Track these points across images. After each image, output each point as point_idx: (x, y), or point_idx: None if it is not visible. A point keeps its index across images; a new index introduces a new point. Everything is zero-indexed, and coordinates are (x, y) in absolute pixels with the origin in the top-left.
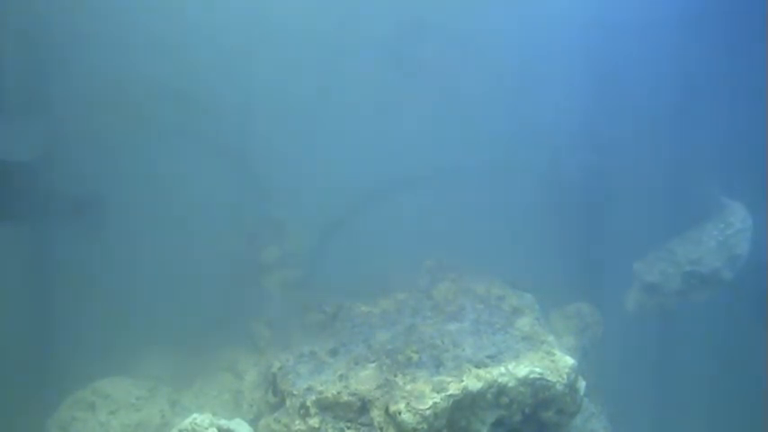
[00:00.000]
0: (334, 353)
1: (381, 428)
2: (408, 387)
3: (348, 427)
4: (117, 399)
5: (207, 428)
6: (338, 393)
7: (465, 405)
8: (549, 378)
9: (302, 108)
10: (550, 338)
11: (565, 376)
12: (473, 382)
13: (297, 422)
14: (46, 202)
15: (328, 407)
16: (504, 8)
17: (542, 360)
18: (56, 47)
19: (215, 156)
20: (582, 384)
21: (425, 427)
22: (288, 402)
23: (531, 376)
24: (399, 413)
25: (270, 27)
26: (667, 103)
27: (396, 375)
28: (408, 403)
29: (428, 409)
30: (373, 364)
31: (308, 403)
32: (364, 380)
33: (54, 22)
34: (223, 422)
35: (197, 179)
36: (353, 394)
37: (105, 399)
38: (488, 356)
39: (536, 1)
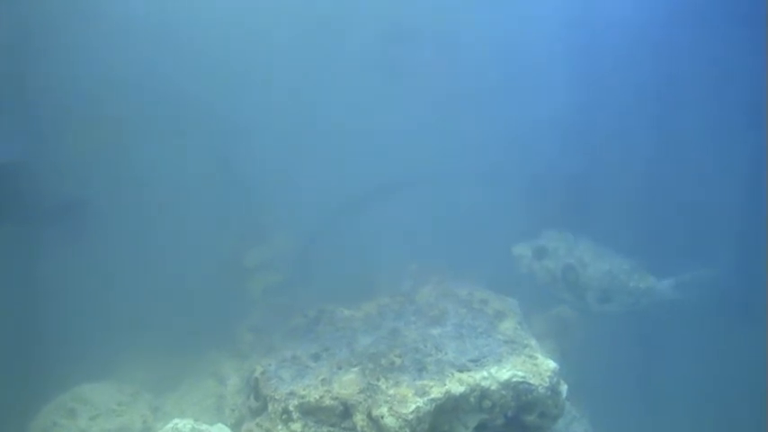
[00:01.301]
0: (316, 357)
1: None
2: (391, 391)
3: None
4: (98, 404)
5: None
6: (321, 398)
7: (448, 409)
8: (532, 381)
9: (288, 112)
10: (533, 342)
11: (547, 380)
12: (456, 385)
13: (279, 427)
14: (29, 204)
15: (311, 411)
16: (491, 12)
17: (525, 364)
18: (39, 47)
19: (200, 159)
20: (564, 388)
21: (408, 431)
22: (270, 407)
23: (514, 380)
24: (382, 417)
25: (257, 30)
26: (655, 107)
27: (378, 380)
28: (391, 407)
29: (411, 413)
30: (356, 369)
31: (291, 408)
32: (347, 384)
33: (38, 21)
34: (204, 427)
35: (181, 183)
36: (336, 398)
37: (86, 404)
38: (471, 360)
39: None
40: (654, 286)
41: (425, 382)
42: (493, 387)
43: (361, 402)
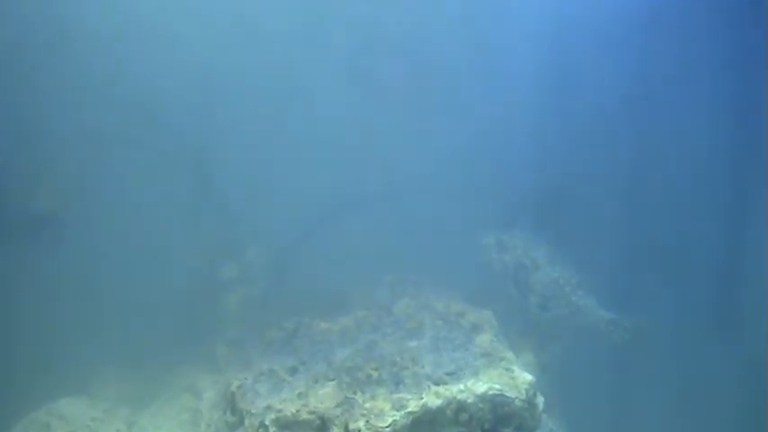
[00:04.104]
0: (293, 371)
1: None
2: (368, 405)
3: None
4: (72, 420)
5: None
6: (297, 412)
7: (425, 422)
8: (508, 394)
9: (263, 125)
10: (509, 355)
11: (523, 392)
12: (432, 398)
13: None
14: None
15: (287, 425)
16: (465, 23)
17: (501, 376)
18: (15, 59)
19: (174, 171)
20: (540, 400)
21: None
22: (247, 421)
23: (491, 392)
24: (359, 431)
25: (231, 44)
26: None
27: (355, 393)
28: (368, 421)
29: (387, 426)
30: (333, 382)
31: (267, 422)
32: (324, 398)
33: (13, 27)
34: None
35: (156, 195)
36: (313, 412)
37: (60, 420)
38: (448, 373)
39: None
40: (591, 309)
41: (402, 395)
42: (470, 400)
43: (338, 416)
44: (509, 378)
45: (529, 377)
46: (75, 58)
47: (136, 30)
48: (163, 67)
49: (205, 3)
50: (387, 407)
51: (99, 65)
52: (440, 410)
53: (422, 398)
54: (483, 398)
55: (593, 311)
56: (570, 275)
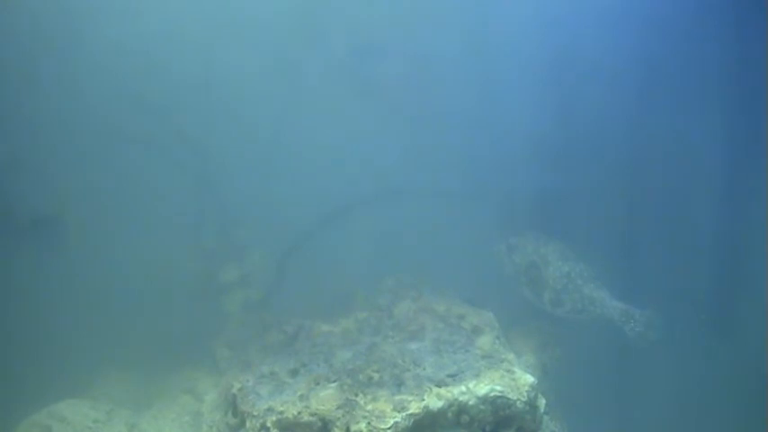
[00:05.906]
0: (294, 373)
1: None
2: (369, 407)
3: None
4: (74, 422)
5: None
6: (299, 414)
7: (426, 424)
8: (510, 396)
9: (263, 127)
10: (510, 356)
11: (525, 394)
12: (434, 400)
13: None
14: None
15: (289, 427)
16: (464, 25)
17: (502, 378)
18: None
19: (176, 173)
20: (542, 402)
21: None
22: (248, 423)
23: (492, 394)
24: None
25: (230, 46)
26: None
27: (357, 395)
28: (369, 423)
29: (389, 428)
30: (334, 384)
31: (269, 424)
32: (325, 400)
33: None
34: None
35: (156, 197)
36: (314, 414)
37: (62, 422)
38: (449, 375)
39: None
40: (604, 300)
41: (404, 396)
42: (471, 402)
43: (339, 418)
44: (510, 380)
45: (530, 379)
46: (77, 57)
47: (139, 33)
48: (163, 67)
49: (207, 4)
50: (388, 408)
51: (100, 64)
52: (441, 412)
53: (423, 399)
54: (484, 400)
55: (606, 303)
56: (581, 269)
